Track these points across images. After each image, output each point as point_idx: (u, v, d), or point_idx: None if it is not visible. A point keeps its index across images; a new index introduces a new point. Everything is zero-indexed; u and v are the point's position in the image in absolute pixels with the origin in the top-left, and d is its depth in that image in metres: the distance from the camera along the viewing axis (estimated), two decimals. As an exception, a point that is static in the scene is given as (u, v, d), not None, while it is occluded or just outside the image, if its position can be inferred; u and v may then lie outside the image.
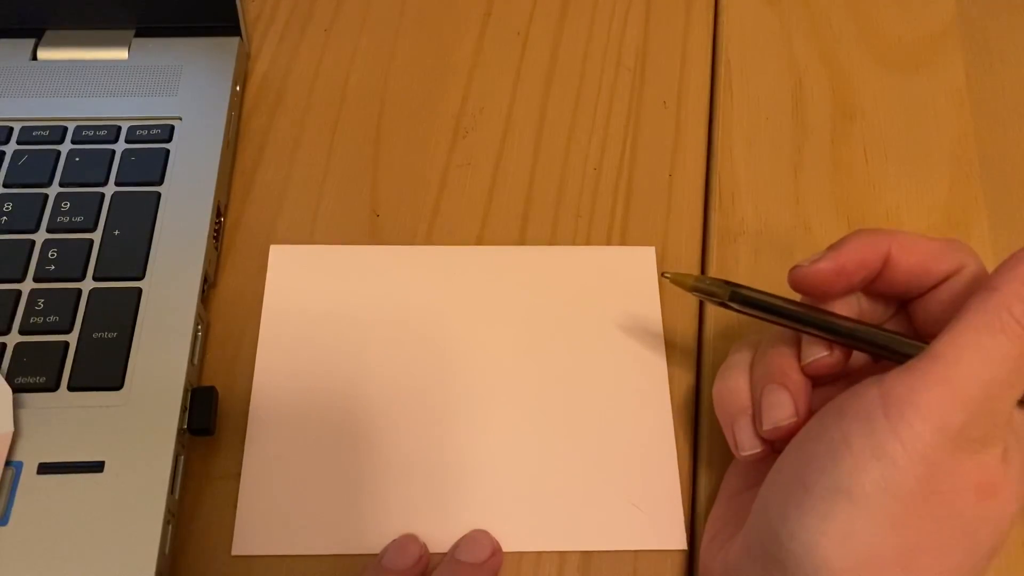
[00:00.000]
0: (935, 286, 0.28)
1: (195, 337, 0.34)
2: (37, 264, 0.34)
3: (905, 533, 0.23)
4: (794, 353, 0.29)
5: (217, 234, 0.37)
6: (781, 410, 0.28)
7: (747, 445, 0.29)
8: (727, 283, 0.30)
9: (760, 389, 0.29)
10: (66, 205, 0.36)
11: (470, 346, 0.35)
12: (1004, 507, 0.24)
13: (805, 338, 0.29)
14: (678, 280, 0.31)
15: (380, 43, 0.44)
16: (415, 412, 0.34)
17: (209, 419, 0.32)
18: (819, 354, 0.28)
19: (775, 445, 0.29)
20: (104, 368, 0.32)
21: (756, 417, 0.29)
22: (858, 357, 0.30)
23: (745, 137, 0.41)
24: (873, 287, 0.29)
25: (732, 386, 0.30)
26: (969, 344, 0.24)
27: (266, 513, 0.32)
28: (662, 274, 0.30)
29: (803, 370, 0.29)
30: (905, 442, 0.23)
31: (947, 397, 0.23)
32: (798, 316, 0.28)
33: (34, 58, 0.40)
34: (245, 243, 0.38)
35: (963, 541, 0.24)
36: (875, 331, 0.28)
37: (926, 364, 0.24)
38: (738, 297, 0.29)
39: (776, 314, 0.29)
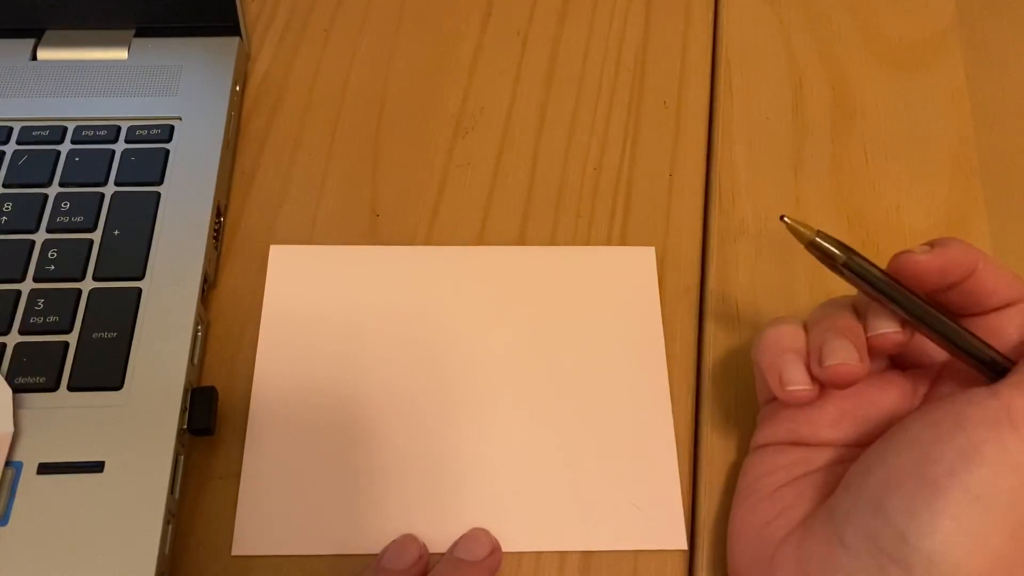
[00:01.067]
0: (991, 311, 0.29)
1: (195, 337, 0.34)
2: (37, 264, 0.34)
3: (1021, 540, 0.24)
4: (859, 323, 0.29)
5: (217, 234, 0.37)
6: (848, 354, 0.28)
7: (796, 380, 0.29)
8: (846, 248, 0.28)
9: (822, 336, 0.29)
10: (66, 205, 0.36)
11: (470, 346, 0.35)
12: None
13: (875, 310, 0.29)
14: (796, 230, 0.28)
15: (380, 43, 0.44)
16: (415, 412, 0.34)
17: (209, 419, 0.32)
18: (891, 328, 0.28)
19: (823, 391, 0.29)
20: (104, 368, 0.32)
21: (813, 358, 0.28)
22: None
23: (745, 137, 0.41)
24: (943, 294, 0.29)
25: (786, 330, 0.30)
26: None
27: (266, 513, 0.32)
28: (780, 217, 0.28)
29: (868, 340, 0.28)
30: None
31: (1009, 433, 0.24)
32: (903, 301, 0.28)
33: (34, 58, 0.40)
34: (245, 243, 0.38)
35: None
36: (977, 341, 0.28)
37: None
38: (851, 265, 0.28)
39: (882, 292, 0.28)
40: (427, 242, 0.38)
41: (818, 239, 0.28)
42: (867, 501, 0.26)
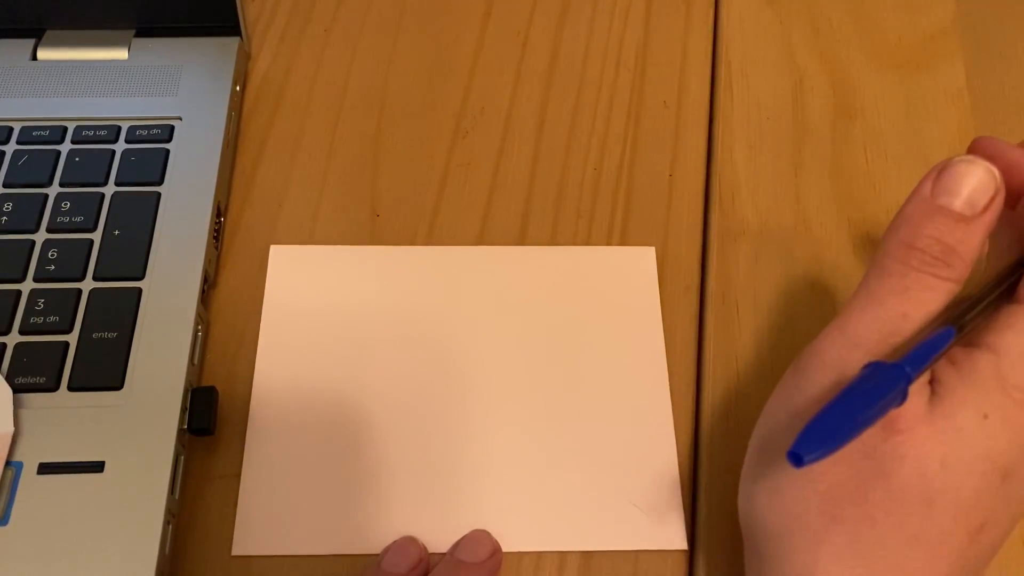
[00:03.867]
0: None
1: (195, 337, 0.34)
2: (37, 264, 0.34)
3: (822, 480, 0.24)
4: None
5: (217, 234, 0.37)
6: None
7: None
8: None
9: None
10: (66, 205, 0.36)
11: (470, 346, 0.35)
12: (922, 443, 0.23)
13: None
14: None
15: (380, 43, 0.44)
16: (415, 412, 0.34)
17: (209, 419, 0.32)
18: None
19: None
20: (104, 368, 0.32)
21: None
22: None
23: (745, 137, 0.41)
24: None
25: None
26: (864, 293, 0.25)
27: (266, 513, 0.32)
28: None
29: None
30: (805, 391, 0.24)
31: (840, 343, 0.24)
32: None
33: (34, 58, 0.40)
34: (245, 243, 0.38)
35: (880, 481, 0.23)
36: None
37: (836, 318, 0.25)
38: None
39: None
40: (427, 242, 0.38)
41: None
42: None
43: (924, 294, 0.24)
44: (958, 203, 0.25)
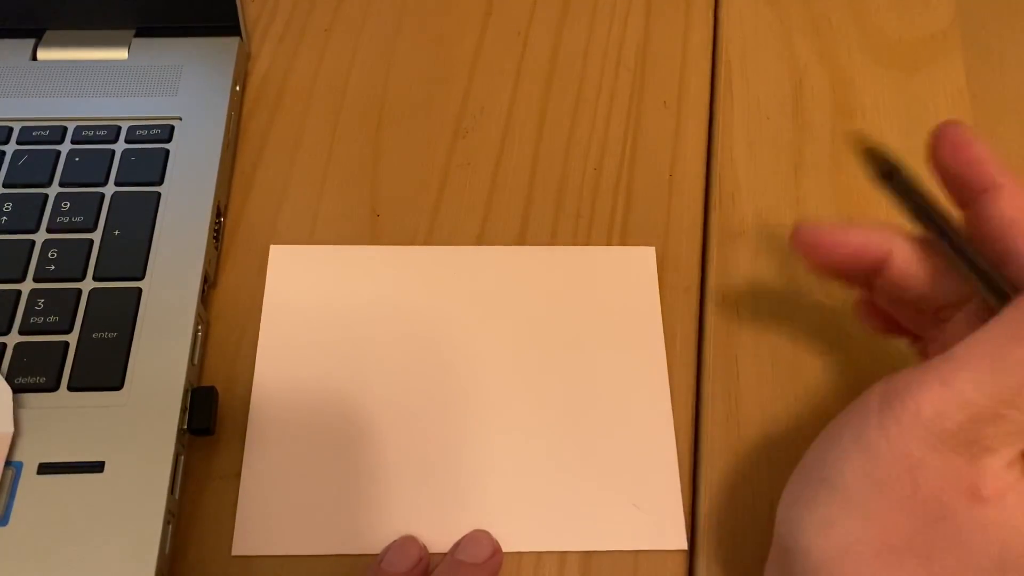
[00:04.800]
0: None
1: (195, 337, 0.34)
2: (37, 264, 0.34)
3: (887, 527, 0.23)
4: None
5: (217, 234, 0.37)
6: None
7: None
8: (891, 164, 0.28)
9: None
10: (66, 205, 0.36)
11: (470, 346, 0.35)
12: (1009, 513, 0.23)
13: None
14: (857, 142, 0.29)
15: (380, 43, 0.44)
16: (415, 412, 0.34)
17: (209, 419, 0.32)
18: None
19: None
20: (104, 368, 0.32)
21: None
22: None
23: (745, 137, 0.41)
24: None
25: None
26: (983, 351, 0.23)
27: (266, 513, 0.32)
28: (863, 146, 0.28)
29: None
30: (890, 436, 0.23)
31: (945, 398, 0.22)
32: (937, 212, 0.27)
33: (34, 58, 0.40)
34: (245, 243, 0.38)
35: (954, 548, 0.23)
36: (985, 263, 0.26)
37: (936, 362, 0.23)
38: (895, 180, 0.28)
39: (919, 206, 0.28)
40: (427, 242, 0.38)
41: (868, 152, 0.29)
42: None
43: None
44: None
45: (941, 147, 0.28)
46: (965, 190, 0.27)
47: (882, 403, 0.23)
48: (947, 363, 0.23)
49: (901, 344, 0.32)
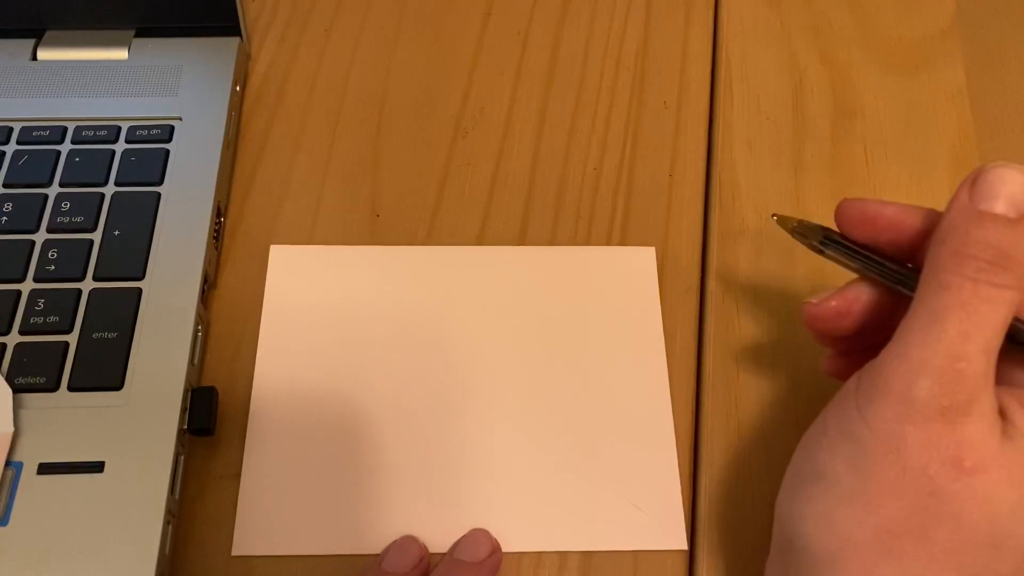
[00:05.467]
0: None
1: (195, 337, 0.34)
2: (37, 264, 0.34)
3: (881, 513, 0.23)
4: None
5: (217, 234, 0.37)
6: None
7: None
8: (822, 228, 0.30)
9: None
10: (66, 205, 0.36)
11: (470, 346, 0.35)
12: (994, 486, 0.23)
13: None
14: (782, 222, 0.31)
15: (380, 43, 0.44)
16: (415, 412, 0.34)
17: (209, 419, 0.32)
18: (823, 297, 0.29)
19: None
20: (104, 368, 0.32)
21: None
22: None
23: (745, 137, 0.41)
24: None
25: None
26: (924, 316, 0.24)
27: (266, 513, 0.32)
28: (790, 226, 0.30)
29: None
30: (869, 420, 0.23)
31: (904, 369, 0.23)
32: (882, 264, 0.28)
33: (34, 58, 0.40)
34: (245, 243, 0.38)
35: (946, 521, 0.23)
36: None
37: (891, 342, 0.24)
38: (830, 242, 0.29)
39: (865, 259, 0.28)
40: (427, 242, 0.38)
41: (797, 226, 0.30)
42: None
43: (984, 306, 0.23)
44: (1000, 206, 0.24)
45: (850, 227, 0.29)
46: (896, 247, 0.28)
47: (858, 390, 0.24)
48: (898, 338, 0.24)
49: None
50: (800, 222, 0.30)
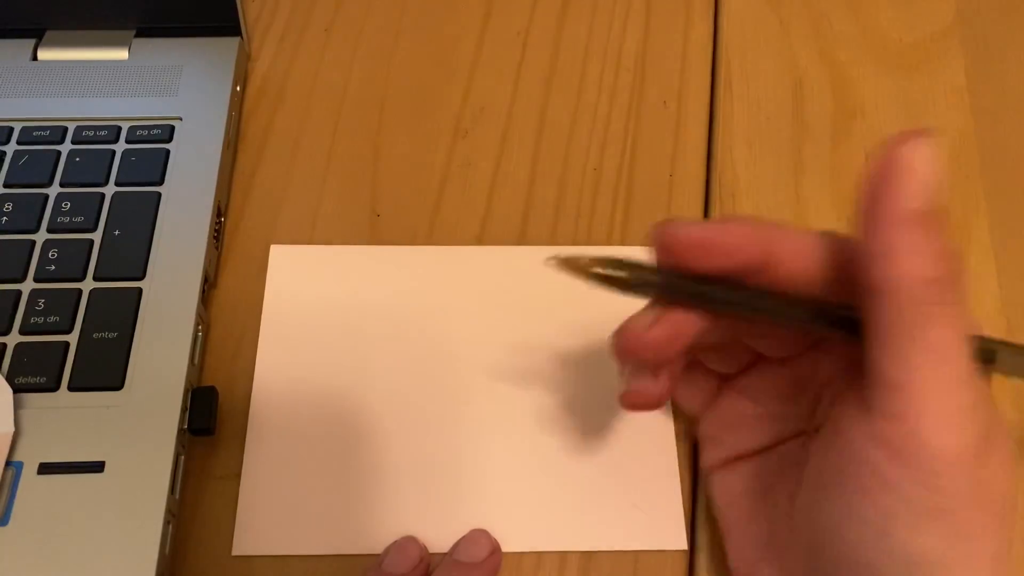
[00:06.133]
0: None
1: (195, 337, 0.34)
2: (37, 264, 0.34)
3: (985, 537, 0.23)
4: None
5: (217, 234, 0.37)
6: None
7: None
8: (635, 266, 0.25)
9: None
10: (66, 205, 0.36)
11: (470, 346, 0.35)
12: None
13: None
14: (571, 265, 0.25)
15: (380, 43, 0.44)
16: (415, 412, 0.34)
17: (209, 419, 0.32)
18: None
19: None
20: (104, 368, 0.32)
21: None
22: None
23: (745, 137, 0.41)
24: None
25: None
26: (920, 361, 0.22)
27: (266, 513, 0.32)
28: (590, 271, 0.24)
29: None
30: (944, 490, 0.22)
31: (939, 422, 0.22)
32: (724, 296, 0.24)
33: (34, 58, 0.40)
34: (245, 243, 0.38)
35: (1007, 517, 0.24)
36: (819, 303, 0.24)
37: (898, 404, 0.23)
38: (640, 282, 0.24)
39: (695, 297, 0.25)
40: (427, 242, 0.38)
41: (598, 269, 0.25)
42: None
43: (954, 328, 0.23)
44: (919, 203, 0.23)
45: (684, 255, 0.25)
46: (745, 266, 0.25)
47: (904, 469, 0.23)
48: (912, 396, 0.23)
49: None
50: (600, 260, 0.24)
